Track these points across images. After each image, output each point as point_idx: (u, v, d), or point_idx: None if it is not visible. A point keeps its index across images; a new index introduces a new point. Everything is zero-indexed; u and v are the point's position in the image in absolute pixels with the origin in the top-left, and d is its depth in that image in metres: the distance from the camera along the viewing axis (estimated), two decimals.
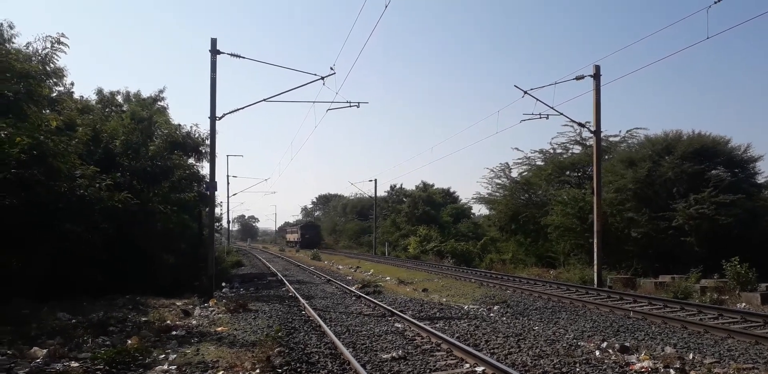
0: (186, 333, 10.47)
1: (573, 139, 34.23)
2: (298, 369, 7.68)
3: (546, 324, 11.63)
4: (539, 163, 36.43)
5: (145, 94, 22.84)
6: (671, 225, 24.52)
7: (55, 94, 15.22)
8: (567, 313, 13.17)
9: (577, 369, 7.65)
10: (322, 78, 16.74)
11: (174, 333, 10.40)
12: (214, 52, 16.60)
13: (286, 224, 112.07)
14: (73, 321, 11.06)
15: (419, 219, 54.54)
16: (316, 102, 19.06)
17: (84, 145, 15.84)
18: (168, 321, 11.68)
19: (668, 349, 8.84)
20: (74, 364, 7.73)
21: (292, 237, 79.45)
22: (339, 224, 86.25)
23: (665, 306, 13.52)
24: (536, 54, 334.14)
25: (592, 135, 21.37)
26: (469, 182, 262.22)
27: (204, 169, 22.06)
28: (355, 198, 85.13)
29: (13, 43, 13.19)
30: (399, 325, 11.53)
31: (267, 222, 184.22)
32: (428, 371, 7.67)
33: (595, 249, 19.30)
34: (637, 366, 7.74)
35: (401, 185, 69.79)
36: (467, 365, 7.91)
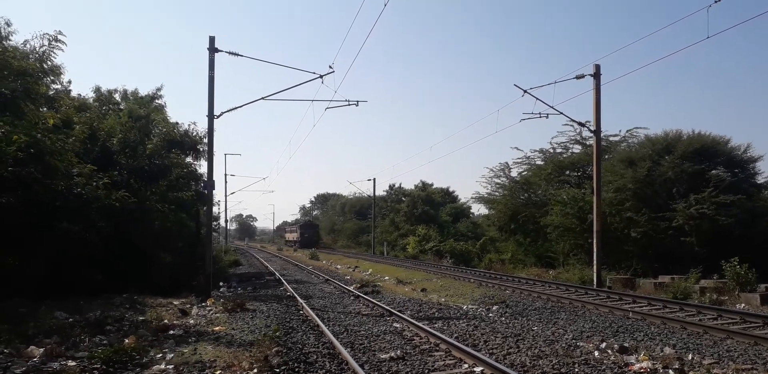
0: (183, 332, 10.43)
1: (573, 138, 34.24)
2: (296, 369, 7.63)
3: (545, 325, 11.59)
4: (539, 162, 36.42)
5: (142, 93, 22.81)
6: (671, 225, 24.48)
7: (52, 92, 15.16)
8: (566, 313, 13.13)
9: (576, 370, 7.61)
10: (321, 76, 16.71)
11: (171, 332, 10.36)
12: (212, 50, 16.55)
13: (285, 223, 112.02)
14: (71, 320, 11.02)
15: (418, 218, 54.52)
16: (314, 100, 19.06)
17: (81, 143, 15.80)
18: (165, 321, 11.64)
19: (667, 350, 8.80)
20: (71, 363, 7.70)
21: (291, 236, 79.29)
22: (337, 223, 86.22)
23: (664, 306, 13.49)
24: (536, 53, 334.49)
25: (592, 134, 21.35)
26: (469, 182, 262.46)
27: (202, 167, 22.04)
28: (354, 198, 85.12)
29: (10, 40, 13.14)
30: (397, 325, 11.49)
31: (265, 222, 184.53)
32: (427, 371, 7.62)
33: (595, 250, 19.27)
34: (636, 366, 7.70)
35: (400, 184, 69.88)
36: (466, 365, 7.87)
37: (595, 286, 18.32)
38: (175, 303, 14.60)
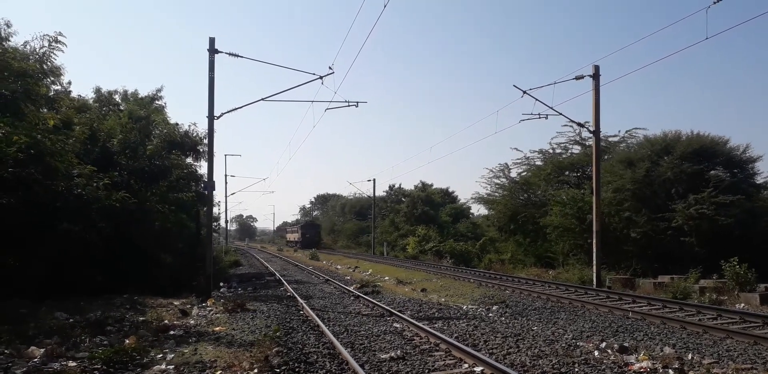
0: (184, 332, 10.44)
1: (572, 139, 34.26)
2: (297, 369, 7.65)
3: (545, 325, 11.61)
4: (538, 163, 36.45)
5: (142, 93, 22.82)
6: (670, 225, 24.50)
7: (52, 93, 15.17)
8: (566, 313, 13.15)
9: (576, 370, 7.63)
10: (321, 77, 16.74)
11: (172, 332, 10.37)
12: (213, 51, 16.58)
13: (286, 223, 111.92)
14: (71, 320, 11.03)
15: (418, 219, 54.53)
16: (314, 101, 19.05)
17: (81, 144, 15.80)
18: (166, 321, 11.65)
19: (667, 349, 8.82)
20: (72, 364, 7.71)
21: (293, 236, 79.14)
22: (337, 224, 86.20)
23: (664, 306, 13.50)
24: (536, 54, 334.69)
25: (591, 135, 21.38)
26: (468, 182, 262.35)
27: (202, 168, 22.06)
28: (354, 198, 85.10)
29: (9, 41, 13.17)
30: (397, 325, 11.50)
31: (265, 222, 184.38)
32: (427, 371, 7.63)
33: (594, 250, 19.29)
34: (636, 366, 7.72)
35: (400, 185, 69.85)
36: (466, 365, 7.89)
37: (594, 286, 18.34)
38: (175, 303, 14.61)
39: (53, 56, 13.30)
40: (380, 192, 65.49)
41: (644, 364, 7.76)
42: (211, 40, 16.68)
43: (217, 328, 10.99)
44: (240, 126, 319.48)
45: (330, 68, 16.56)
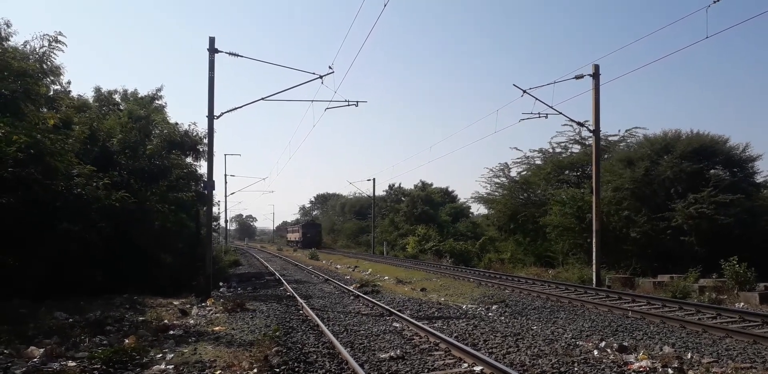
0: (183, 332, 10.45)
1: (572, 138, 34.24)
2: (296, 369, 7.65)
3: (544, 324, 11.61)
4: (538, 162, 36.43)
5: (142, 93, 22.82)
6: (670, 224, 24.50)
7: (52, 93, 15.18)
8: (565, 313, 13.15)
9: (576, 369, 7.64)
10: (321, 77, 16.73)
11: (171, 332, 10.38)
12: (212, 50, 16.57)
13: (286, 223, 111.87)
14: (71, 320, 11.04)
15: (418, 218, 54.51)
16: (314, 101, 19.04)
17: (81, 144, 15.81)
18: (165, 321, 11.66)
19: (666, 349, 8.82)
20: (71, 364, 7.71)
21: (293, 236, 78.96)
22: (337, 223, 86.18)
23: (664, 305, 13.51)
24: (536, 53, 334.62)
25: (591, 134, 21.38)
26: (468, 181, 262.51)
27: (202, 168, 22.08)
28: (354, 198, 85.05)
29: (9, 41, 13.17)
30: (397, 325, 11.51)
31: (265, 222, 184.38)
32: (426, 370, 7.64)
33: (594, 249, 19.30)
34: (636, 365, 7.72)
35: (400, 184, 69.71)
36: (465, 364, 7.89)
37: (594, 285, 18.34)
38: (175, 303, 14.62)
39: (53, 56, 13.33)
40: (380, 191, 65.53)
41: (644, 363, 7.77)
42: (211, 40, 16.68)
43: (217, 328, 11.00)
44: (240, 125, 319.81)
45: (330, 68, 16.58)
